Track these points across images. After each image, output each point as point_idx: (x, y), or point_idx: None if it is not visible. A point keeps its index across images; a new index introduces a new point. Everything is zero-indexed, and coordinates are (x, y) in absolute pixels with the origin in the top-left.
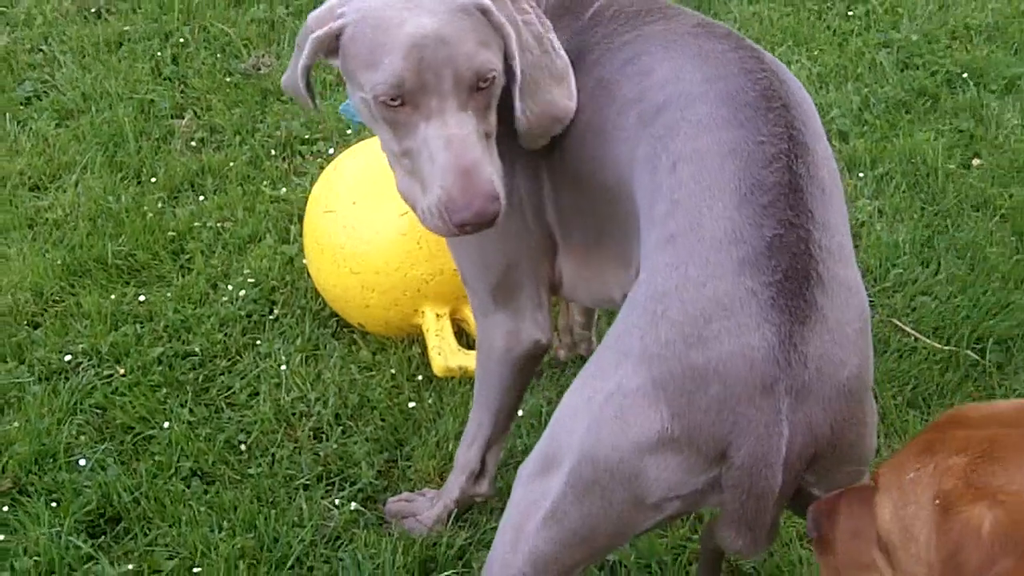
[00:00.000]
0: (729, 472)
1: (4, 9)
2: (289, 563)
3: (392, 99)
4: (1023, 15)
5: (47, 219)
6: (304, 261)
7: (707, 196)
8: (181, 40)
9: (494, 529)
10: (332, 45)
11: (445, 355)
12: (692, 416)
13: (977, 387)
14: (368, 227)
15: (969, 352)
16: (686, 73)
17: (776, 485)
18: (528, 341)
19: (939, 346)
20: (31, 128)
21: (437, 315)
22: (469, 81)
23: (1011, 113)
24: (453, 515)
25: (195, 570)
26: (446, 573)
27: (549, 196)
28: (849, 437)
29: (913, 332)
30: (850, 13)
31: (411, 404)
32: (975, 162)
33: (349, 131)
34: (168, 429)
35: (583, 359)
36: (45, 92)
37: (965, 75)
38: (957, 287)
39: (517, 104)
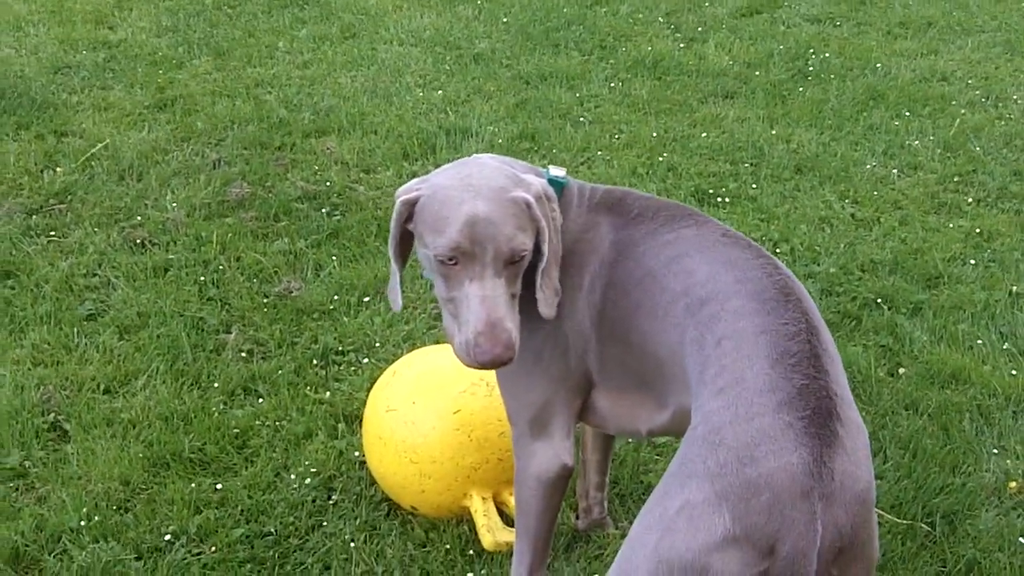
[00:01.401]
0: (775, 563)
1: (58, 239)
2: None
3: (448, 259)
4: (915, 252)
5: (123, 419)
6: (356, 453)
7: (747, 360)
8: (220, 267)
9: None
10: (409, 212)
11: (494, 532)
12: (749, 518)
13: (931, 553)
14: (426, 422)
15: (922, 525)
16: (721, 276)
17: (812, 571)
18: (557, 466)
19: (898, 520)
20: (96, 341)
21: (483, 498)
22: (506, 256)
23: (919, 332)
24: None
25: None
26: None
27: (593, 349)
28: (863, 536)
29: (877, 510)
30: (777, 251)
31: (468, 574)
32: (900, 370)
33: (377, 343)
34: None
35: (598, 529)
36: (104, 311)
37: (879, 300)
38: (903, 472)
39: (538, 280)
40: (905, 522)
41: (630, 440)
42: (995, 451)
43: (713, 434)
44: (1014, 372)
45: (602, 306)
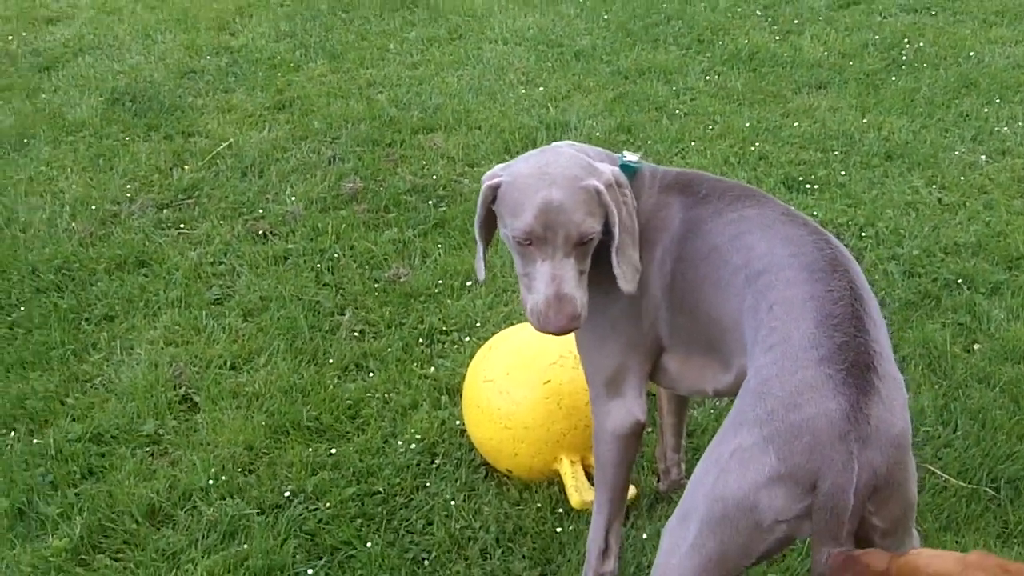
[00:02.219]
0: (817, 498)
1: (187, 231)
2: None
3: (524, 240)
4: (998, 235)
5: (247, 392)
6: (457, 422)
7: (795, 322)
8: (335, 255)
9: None
10: (493, 195)
11: (581, 492)
12: (793, 458)
13: (994, 515)
14: (519, 392)
15: (987, 489)
16: (777, 250)
17: (850, 506)
18: (631, 421)
19: (963, 484)
20: (223, 323)
21: (571, 461)
22: (575, 239)
23: (997, 310)
24: None
25: None
26: None
27: (664, 317)
28: (898, 477)
29: (943, 474)
30: (863, 234)
31: (558, 529)
32: (975, 347)
33: (478, 323)
34: (368, 549)
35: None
36: (229, 295)
37: (959, 281)
38: (972, 441)
39: (614, 258)
40: (970, 486)
41: (712, 411)
42: None
43: (762, 386)
44: None
45: (672, 278)
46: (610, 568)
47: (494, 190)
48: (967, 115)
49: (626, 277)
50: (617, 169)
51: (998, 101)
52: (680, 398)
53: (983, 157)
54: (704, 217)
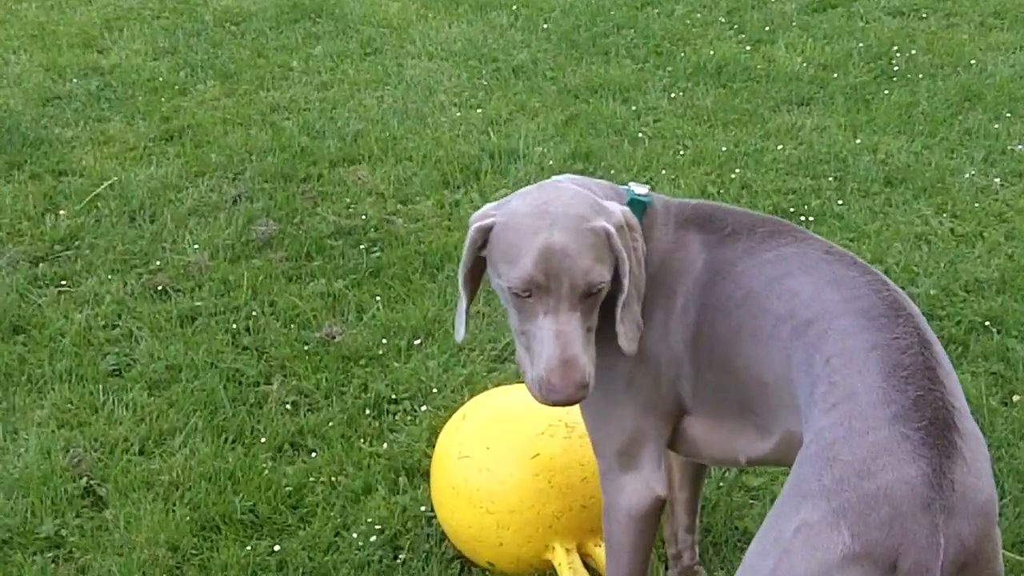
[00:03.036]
0: None
1: (70, 289)
2: None
3: (523, 291)
4: None
5: (163, 480)
6: (422, 508)
7: (859, 375)
8: (252, 313)
9: None
10: (483, 239)
11: None
12: (868, 534)
13: None
14: (502, 468)
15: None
16: (827, 295)
17: None
18: (650, 497)
19: (1020, 557)
20: (124, 399)
21: (567, 549)
22: (582, 289)
23: None
24: None
25: None
26: None
27: (687, 374)
28: (987, 551)
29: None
30: None
31: None
32: (1015, 398)
33: (434, 389)
34: None
35: None
36: (129, 365)
37: (987, 323)
38: (1016, 501)
39: (618, 313)
40: (1014, 556)
41: (720, 485)
42: None
43: (827, 450)
44: None
45: (697, 329)
46: None
47: (485, 233)
48: (974, 132)
49: (629, 335)
50: (627, 208)
51: (1008, 116)
52: (696, 469)
53: (997, 180)
54: (733, 258)
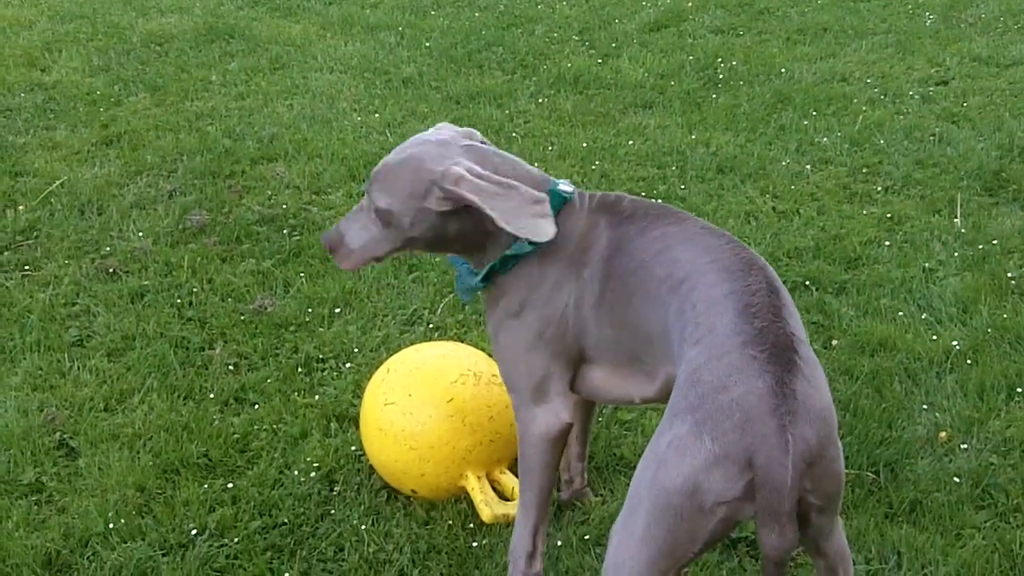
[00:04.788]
0: (756, 474)
1: (32, 273)
2: None
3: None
4: (834, 238)
5: (127, 433)
6: (352, 448)
7: (717, 315)
8: (193, 289)
9: None
10: None
11: (491, 505)
12: (725, 437)
13: (877, 499)
14: (423, 412)
15: (868, 473)
16: (698, 258)
17: (788, 478)
18: (560, 423)
19: (847, 471)
20: (88, 365)
21: (478, 477)
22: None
23: (846, 308)
24: None
25: None
26: None
27: (591, 331)
28: (830, 452)
29: None
30: None
31: (472, 544)
32: (833, 343)
33: (355, 349)
34: None
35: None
36: (90, 336)
37: (807, 283)
38: (846, 430)
39: (503, 227)
40: (853, 472)
41: (599, 419)
42: (924, 407)
43: (692, 375)
44: (935, 338)
45: (601, 294)
46: (537, 569)
47: None
48: (787, 128)
49: (529, 228)
50: (470, 163)
51: (814, 114)
52: (586, 406)
53: (808, 167)
54: (630, 236)
